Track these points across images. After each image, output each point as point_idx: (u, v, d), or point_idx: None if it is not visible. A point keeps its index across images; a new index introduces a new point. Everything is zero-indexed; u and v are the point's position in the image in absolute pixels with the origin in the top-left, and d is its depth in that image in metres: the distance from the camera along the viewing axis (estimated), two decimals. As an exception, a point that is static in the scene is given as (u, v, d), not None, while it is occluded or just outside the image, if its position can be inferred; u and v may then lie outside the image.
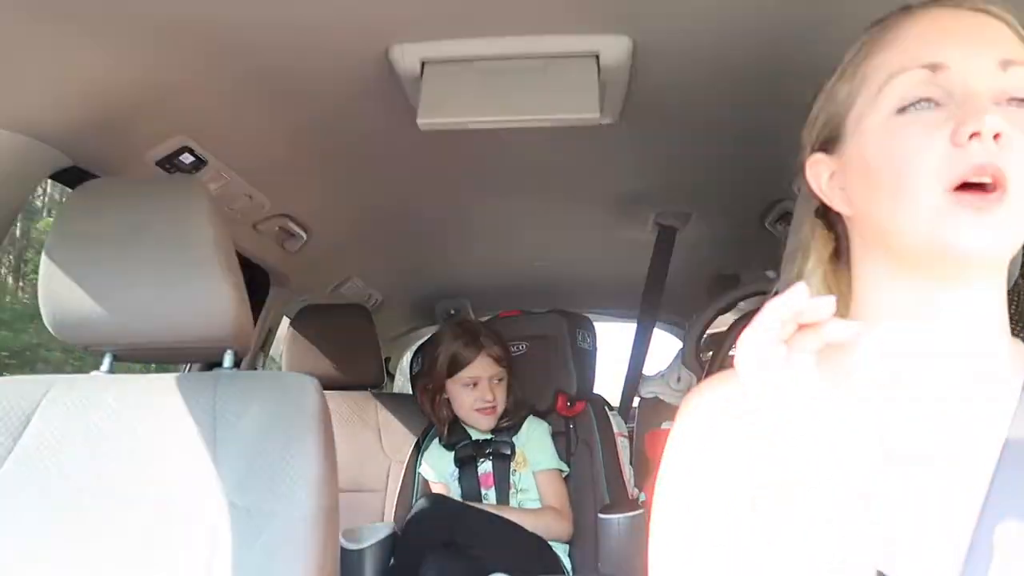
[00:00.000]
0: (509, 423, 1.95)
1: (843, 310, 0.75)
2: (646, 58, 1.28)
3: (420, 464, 2.01)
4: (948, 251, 0.60)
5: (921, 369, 0.66)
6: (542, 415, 2.02)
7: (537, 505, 1.88)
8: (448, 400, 1.96)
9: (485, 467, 1.92)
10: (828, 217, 0.74)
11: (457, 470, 1.92)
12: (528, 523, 1.76)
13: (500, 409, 1.93)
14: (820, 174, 0.72)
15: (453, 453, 1.93)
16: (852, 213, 0.69)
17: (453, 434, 1.97)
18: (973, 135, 0.59)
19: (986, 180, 0.59)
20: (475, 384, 1.91)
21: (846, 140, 0.68)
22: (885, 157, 0.63)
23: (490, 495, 1.89)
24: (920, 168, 0.61)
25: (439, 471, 1.95)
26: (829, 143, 0.70)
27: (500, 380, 1.93)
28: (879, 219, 0.65)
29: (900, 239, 0.63)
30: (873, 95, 0.65)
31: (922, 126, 0.62)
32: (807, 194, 0.75)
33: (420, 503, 1.78)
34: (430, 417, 2.02)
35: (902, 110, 0.63)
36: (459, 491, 1.90)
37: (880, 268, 0.68)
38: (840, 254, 0.75)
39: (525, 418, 1.96)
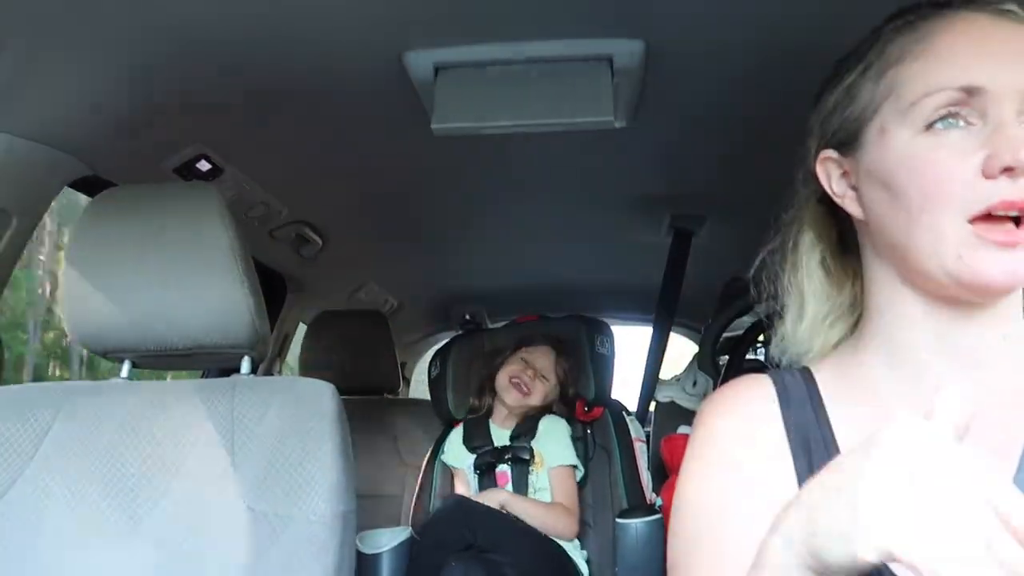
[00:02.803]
0: (522, 420, 1.97)
1: (846, 300, 0.74)
2: (659, 61, 1.29)
3: (442, 452, 2.03)
4: (969, 283, 0.59)
5: (937, 375, 0.65)
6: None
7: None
8: (497, 376, 2.02)
9: (502, 467, 1.93)
10: (831, 204, 0.72)
11: (477, 476, 1.92)
12: (538, 514, 1.79)
13: (532, 397, 1.97)
14: (830, 171, 0.70)
15: (474, 457, 1.94)
16: (865, 219, 0.67)
17: (476, 436, 1.98)
18: (1006, 170, 0.57)
19: (1013, 214, 0.58)
20: (527, 364, 2.00)
21: (866, 146, 0.65)
22: (910, 178, 0.61)
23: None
24: (946, 195, 0.59)
25: (461, 461, 1.97)
26: (844, 144, 0.68)
27: (544, 380, 1.99)
28: (898, 236, 0.63)
29: (918, 262, 0.62)
30: (902, 109, 0.62)
31: (952, 150, 0.60)
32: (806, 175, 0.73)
33: (440, 506, 1.79)
34: (478, 390, 2.07)
35: (930, 126, 0.61)
36: (478, 490, 1.91)
37: (892, 277, 0.67)
38: (845, 242, 0.74)
39: (539, 419, 1.97)
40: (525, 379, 1.95)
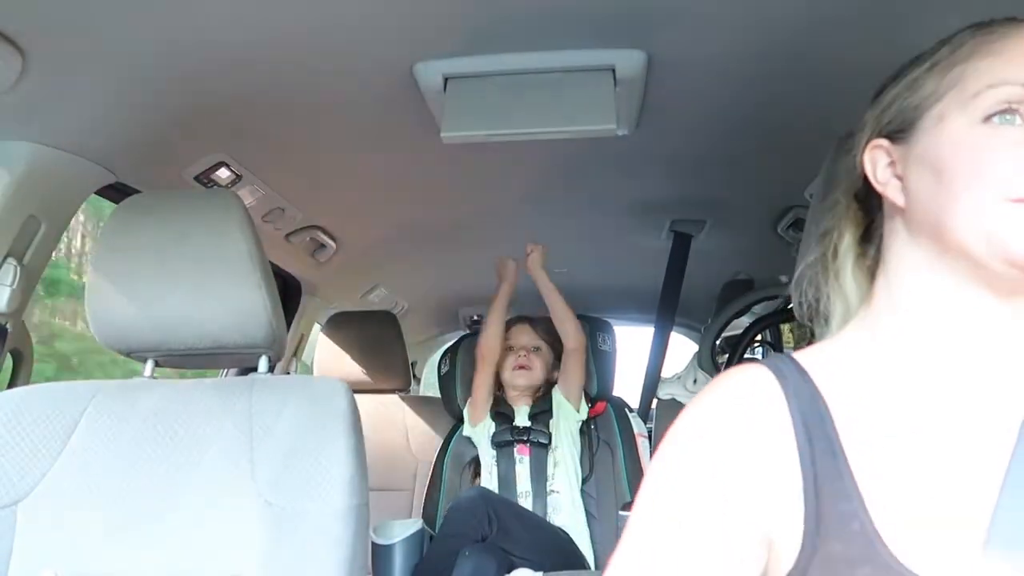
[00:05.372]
0: (539, 396, 2.04)
1: (861, 294, 0.77)
2: (661, 71, 1.31)
3: (459, 432, 2.11)
4: (1004, 256, 0.62)
5: (951, 352, 0.68)
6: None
7: (565, 471, 1.94)
8: (502, 373, 2.11)
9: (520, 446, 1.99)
10: (865, 201, 0.76)
11: (495, 452, 1.98)
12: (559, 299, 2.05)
13: (536, 375, 2.08)
14: (878, 160, 0.73)
15: (493, 431, 2.01)
16: (906, 204, 0.70)
17: (498, 407, 2.06)
18: None
19: None
20: (515, 347, 2.11)
21: (919, 134, 0.68)
22: (962, 163, 0.64)
23: (524, 472, 1.95)
24: (992, 178, 0.62)
25: (482, 433, 2.04)
26: (897, 132, 0.71)
27: (537, 349, 2.12)
28: (939, 214, 0.66)
29: (956, 238, 0.65)
30: (965, 99, 0.65)
31: (1004, 140, 0.62)
32: (851, 174, 0.76)
33: (461, 496, 1.83)
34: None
35: (987, 118, 0.63)
36: (496, 463, 1.97)
37: (924, 261, 0.69)
38: (870, 238, 0.77)
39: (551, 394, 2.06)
40: (523, 360, 2.07)
